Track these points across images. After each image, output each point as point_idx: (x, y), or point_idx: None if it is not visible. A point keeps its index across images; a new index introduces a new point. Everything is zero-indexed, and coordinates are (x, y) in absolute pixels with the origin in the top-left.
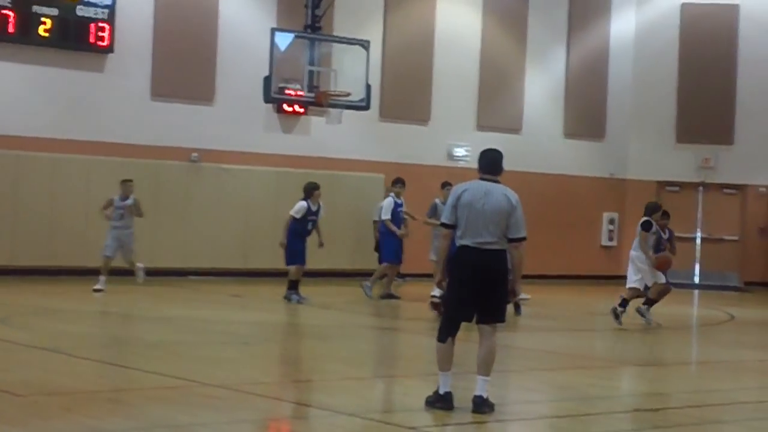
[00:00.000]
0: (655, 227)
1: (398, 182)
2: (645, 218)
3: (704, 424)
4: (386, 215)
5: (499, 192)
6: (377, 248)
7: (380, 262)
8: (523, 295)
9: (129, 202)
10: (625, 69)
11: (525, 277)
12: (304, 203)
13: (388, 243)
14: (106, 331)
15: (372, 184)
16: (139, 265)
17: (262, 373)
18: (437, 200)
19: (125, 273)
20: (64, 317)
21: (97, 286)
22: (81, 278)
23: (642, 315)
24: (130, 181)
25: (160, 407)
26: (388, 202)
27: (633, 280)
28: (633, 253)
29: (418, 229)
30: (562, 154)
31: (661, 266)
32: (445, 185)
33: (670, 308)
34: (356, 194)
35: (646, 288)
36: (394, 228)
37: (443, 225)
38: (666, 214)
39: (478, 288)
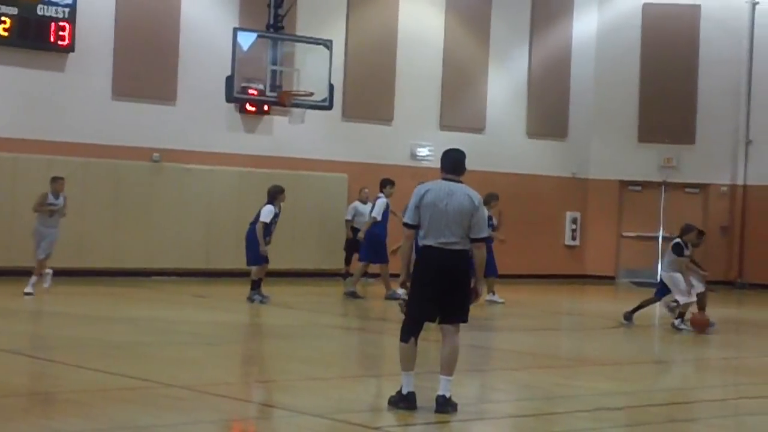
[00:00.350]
0: (688, 250)
1: (389, 183)
2: (677, 240)
3: (667, 423)
4: (377, 214)
5: (462, 192)
6: (346, 248)
7: (347, 262)
8: (497, 298)
9: (61, 201)
10: (588, 69)
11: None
12: (271, 207)
13: (380, 243)
14: (67, 332)
15: (335, 184)
16: (48, 270)
17: (225, 373)
18: None
19: (87, 274)
20: (24, 318)
21: (29, 291)
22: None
23: (676, 328)
24: (62, 178)
25: (122, 408)
26: (381, 203)
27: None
28: (663, 273)
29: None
30: (524, 154)
31: (698, 328)
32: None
33: (633, 307)
34: (319, 194)
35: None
36: (362, 232)
37: (405, 225)
38: (701, 234)
39: (441, 288)
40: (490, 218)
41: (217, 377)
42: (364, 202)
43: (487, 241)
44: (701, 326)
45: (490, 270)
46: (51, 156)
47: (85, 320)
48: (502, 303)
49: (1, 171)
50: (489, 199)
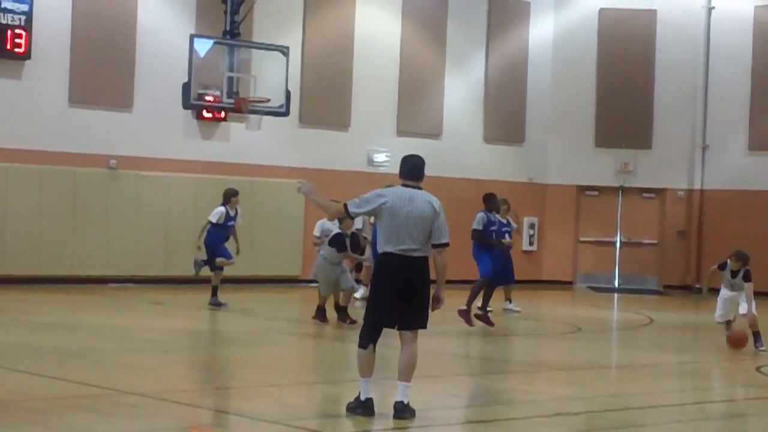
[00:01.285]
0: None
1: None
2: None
3: (625, 428)
4: None
5: (423, 198)
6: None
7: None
8: (513, 306)
9: None
10: (544, 74)
11: (447, 282)
12: (222, 208)
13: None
14: (24, 340)
15: (292, 190)
16: None
17: (182, 380)
18: None
19: (43, 281)
20: None
21: None
22: None
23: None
24: None
25: (79, 416)
26: None
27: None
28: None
29: None
30: (482, 159)
31: (734, 345)
32: None
33: (591, 312)
34: (276, 201)
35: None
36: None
37: (346, 211)
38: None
39: (400, 295)
40: (507, 224)
41: (174, 384)
42: None
43: (503, 247)
44: (734, 342)
45: (510, 277)
46: (7, 164)
47: (42, 327)
48: (518, 312)
49: None
50: (501, 203)
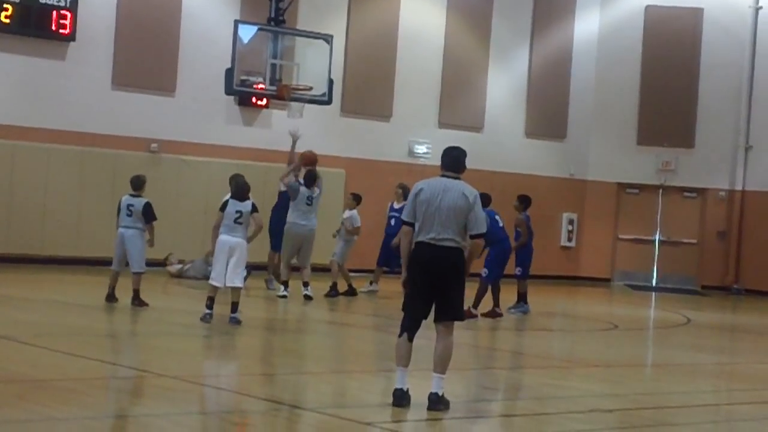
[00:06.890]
0: None
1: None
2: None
3: (659, 426)
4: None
5: (457, 189)
6: None
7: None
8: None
9: None
10: (588, 70)
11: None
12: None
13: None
14: (61, 320)
15: (333, 179)
16: None
17: (218, 365)
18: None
19: (82, 263)
20: (19, 305)
21: None
22: (36, 266)
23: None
24: None
25: (114, 397)
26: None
27: None
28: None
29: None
30: (523, 154)
31: None
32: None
33: (627, 310)
34: None
35: None
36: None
37: (403, 222)
38: None
39: (431, 284)
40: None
41: (209, 369)
42: None
43: None
44: None
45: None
46: (49, 144)
47: (80, 309)
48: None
49: None
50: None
